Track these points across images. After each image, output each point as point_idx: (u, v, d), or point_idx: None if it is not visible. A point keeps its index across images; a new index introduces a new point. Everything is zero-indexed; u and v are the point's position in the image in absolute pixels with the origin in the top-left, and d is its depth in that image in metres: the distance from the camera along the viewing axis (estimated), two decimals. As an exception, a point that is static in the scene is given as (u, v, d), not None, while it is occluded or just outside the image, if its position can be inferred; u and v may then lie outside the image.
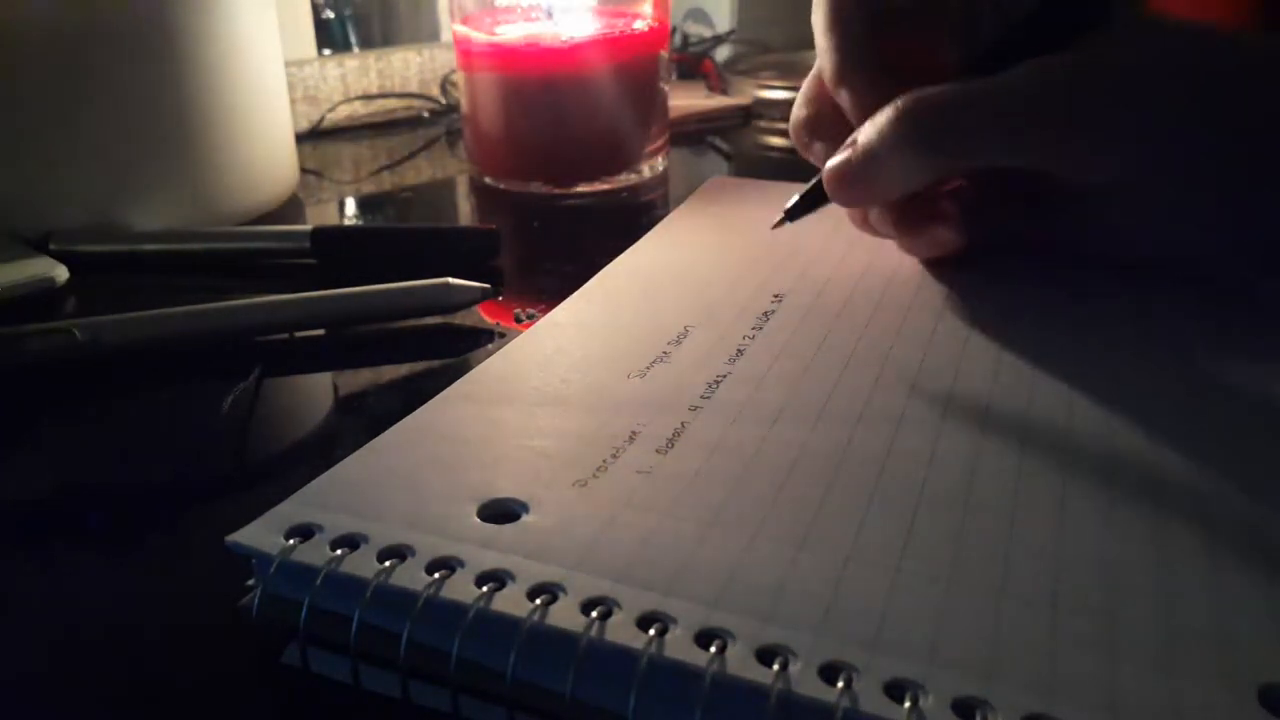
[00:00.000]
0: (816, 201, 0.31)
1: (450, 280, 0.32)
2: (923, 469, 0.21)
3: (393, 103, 0.60)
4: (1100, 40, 0.27)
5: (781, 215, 0.32)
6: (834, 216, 0.33)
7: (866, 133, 0.29)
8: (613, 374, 0.25)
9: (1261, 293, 0.28)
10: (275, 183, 0.45)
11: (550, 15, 0.46)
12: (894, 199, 0.30)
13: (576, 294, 0.31)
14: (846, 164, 0.29)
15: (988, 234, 0.31)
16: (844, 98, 0.30)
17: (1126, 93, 0.27)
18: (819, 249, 0.34)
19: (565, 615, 0.17)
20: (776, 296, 0.30)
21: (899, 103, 0.28)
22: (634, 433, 0.22)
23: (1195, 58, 0.27)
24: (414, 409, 0.24)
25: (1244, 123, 0.26)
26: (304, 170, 0.50)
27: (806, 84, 0.33)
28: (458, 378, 0.25)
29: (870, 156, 0.28)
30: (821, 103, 0.32)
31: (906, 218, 0.31)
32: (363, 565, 0.18)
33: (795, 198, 0.31)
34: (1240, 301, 0.28)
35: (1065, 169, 0.28)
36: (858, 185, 0.29)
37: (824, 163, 0.30)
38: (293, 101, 0.51)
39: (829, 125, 0.32)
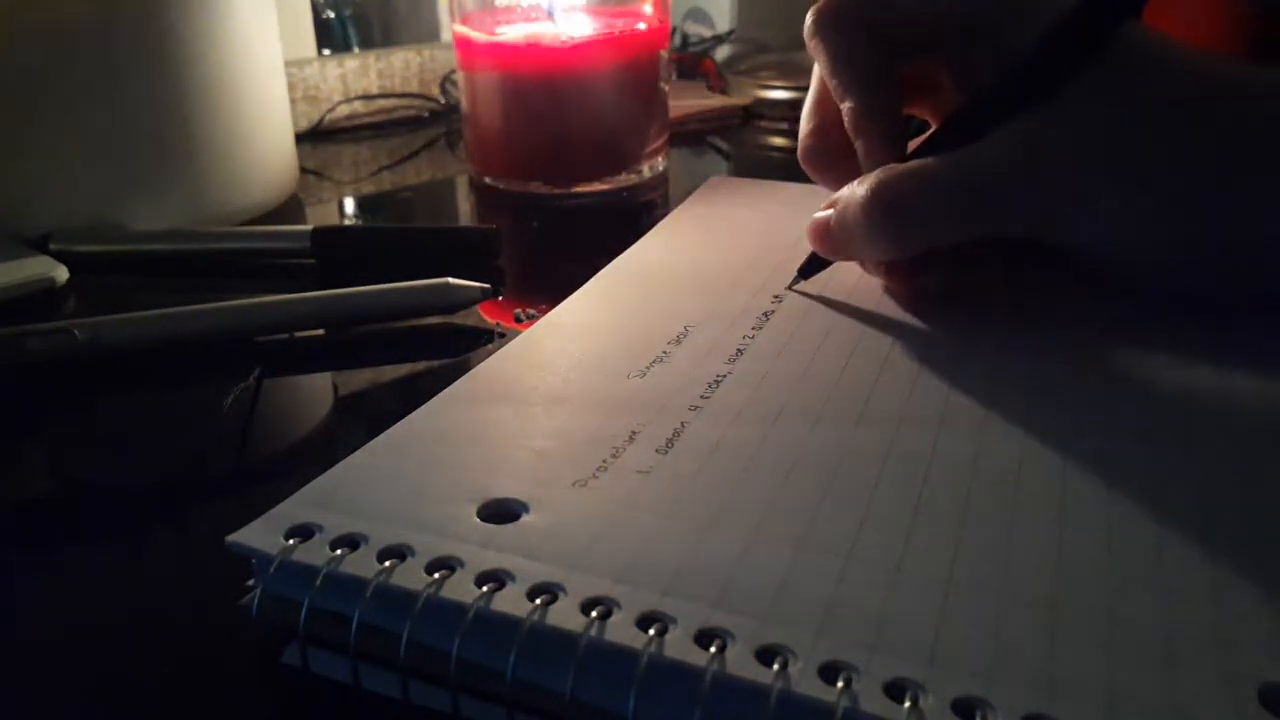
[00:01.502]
0: (825, 261, 0.31)
1: (450, 280, 0.32)
2: (923, 469, 0.21)
3: (393, 103, 0.60)
4: (1073, 97, 0.26)
5: (796, 274, 0.31)
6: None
7: (844, 199, 0.28)
8: (613, 374, 0.25)
9: (1256, 308, 0.27)
10: (275, 183, 0.45)
11: (550, 15, 0.46)
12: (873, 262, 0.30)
13: (576, 294, 0.31)
14: (825, 225, 0.29)
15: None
16: (860, 147, 0.30)
17: (1098, 157, 0.26)
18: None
19: (565, 615, 0.17)
20: (776, 297, 0.30)
21: (871, 179, 0.28)
22: (634, 433, 0.22)
23: (1179, 102, 0.26)
24: (414, 409, 0.23)
25: (1230, 158, 0.26)
26: (304, 170, 0.50)
27: (810, 109, 0.33)
28: (458, 378, 0.25)
29: (842, 226, 0.29)
30: (826, 132, 0.32)
31: (888, 275, 0.30)
32: (363, 565, 0.18)
33: (807, 256, 0.31)
34: (1239, 316, 0.27)
35: (1043, 239, 0.28)
36: (835, 248, 0.30)
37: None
38: (293, 101, 0.51)
39: (836, 156, 0.31)
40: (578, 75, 0.44)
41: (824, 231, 0.29)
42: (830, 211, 0.29)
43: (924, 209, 0.27)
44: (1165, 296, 0.28)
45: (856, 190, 0.28)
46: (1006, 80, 0.27)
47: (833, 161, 0.32)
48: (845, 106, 0.30)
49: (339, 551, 0.18)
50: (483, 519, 0.19)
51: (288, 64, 0.49)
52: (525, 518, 0.19)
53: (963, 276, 0.30)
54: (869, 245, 0.28)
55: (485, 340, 0.32)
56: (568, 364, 0.26)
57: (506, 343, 0.28)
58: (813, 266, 0.31)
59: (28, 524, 0.24)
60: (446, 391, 0.25)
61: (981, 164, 0.27)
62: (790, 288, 0.31)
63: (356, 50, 0.63)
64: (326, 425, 0.29)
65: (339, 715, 0.18)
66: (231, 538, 0.19)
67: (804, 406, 0.24)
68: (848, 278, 0.31)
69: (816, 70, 0.32)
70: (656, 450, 0.22)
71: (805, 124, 0.33)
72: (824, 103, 0.32)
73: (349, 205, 0.48)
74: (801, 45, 0.32)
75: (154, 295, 0.34)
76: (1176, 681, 0.15)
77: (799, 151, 0.33)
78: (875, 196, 0.27)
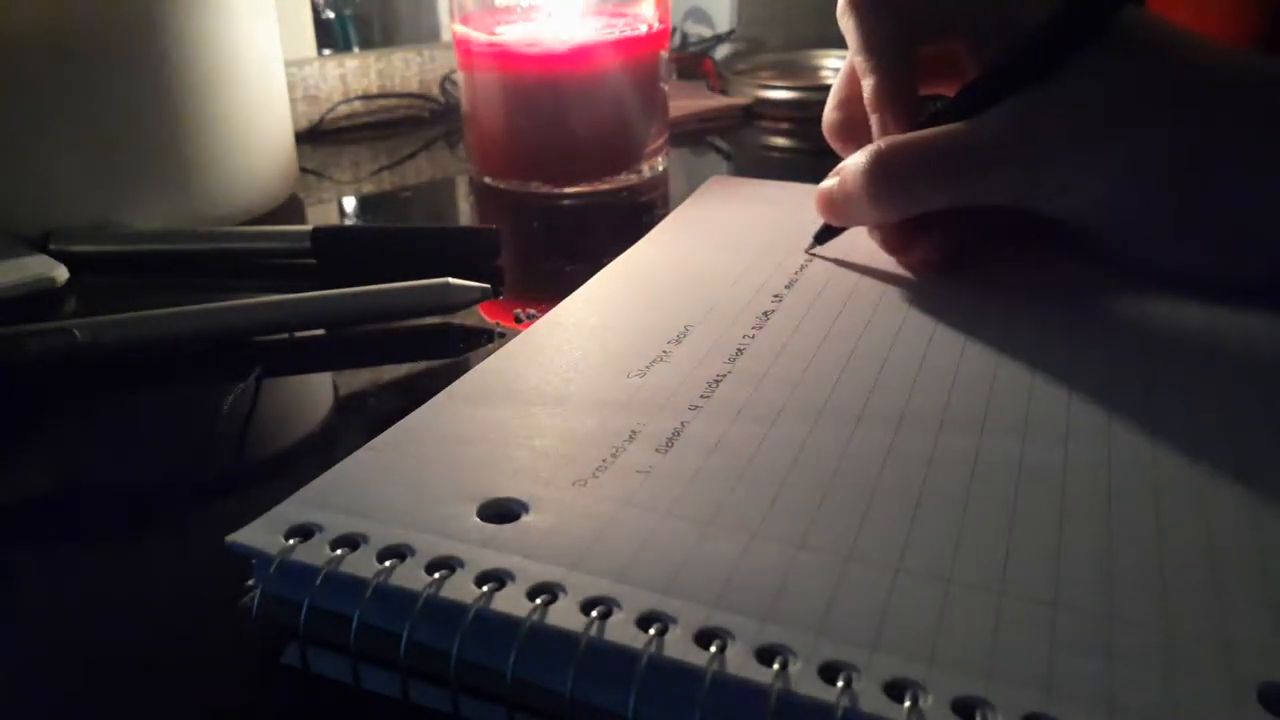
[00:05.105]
0: (838, 228, 0.33)
1: (450, 280, 0.32)
2: (923, 469, 0.21)
3: (393, 103, 0.60)
4: (1069, 76, 0.28)
5: (812, 240, 0.33)
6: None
7: (848, 168, 0.30)
8: (613, 374, 0.25)
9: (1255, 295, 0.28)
10: (275, 183, 0.45)
11: (551, 15, 0.46)
12: (874, 226, 0.32)
13: (576, 294, 0.31)
14: (830, 193, 0.31)
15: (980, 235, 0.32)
16: (875, 121, 0.31)
17: (1084, 131, 0.27)
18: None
19: (565, 615, 0.17)
20: (776, 296, 0.30)
21: (871, 146, 0.29)
22: (634, 432, 0.22)
23: (1169, 83, 0.27)
24: (414, 409, 0.24)
25: (1214, 141, 0.27)
26: (304, 170, 0.50)
27: (838, 85, 0.34)
28: (458, 378, 0.25)
29: (845, 192, 0.30)
30: (853, 107, 0.33)
31: (891, 238, 0.32)
32: (363, 565, 0.18)
33: (821, 224, 0.33)
34: (1238, 305, 0.27)
35: (1033, 208, 0.29)
36: (838, 213, 0.31)
37: None
38: (293, 101, 0.51)
39: (856, 130, 0.33)
40: (578, 75, 0.44)
41: (828, 198, 0.31)
42: (835, 180, 0.31)
43: (919, 173, 0.29)
44: (1166, 291, 0.28)
45: (858, 158, 0.30)
46: (1009, 61, 0.29)
47: (853, 135, 0.33)
48: (865, 84, 0.31)
49: (339, 551, 0.18)
50: (483, 519, 0.19)
51: (288, 64, 0.49)
52: (525, 518, 0.19)
53: (962, 246, 0.31)
54: (868, 208, 0.30)
55: (485, 340, 0.32)
56: (568, 364, 0.26)
57: (506, 343, 0.28)
58: (826, 234, 0.33)
59: (27, 524, 0.24)
60: (446, 391, 0.25)
61: (977, 134, 0.28)
62: (808, 252, 0.33)
63: (356, 50, 0.63)
64: (326, 425, 0.29)
65: (339, 715, 0.18)
66: (231, 538, 0.19)
67: (804, 406, 0.24)
68: (848, 277, 0.31)
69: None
70: (656, 450, 0.22)
71: (832, 98, 0.35)
72: (852, 80, 0.33)
73: (349, 205, 0.48)
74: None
75: (154, 295, 0.34)
76: (1176, 681, 0.15)
77: (823, 123, 0.35)
78: (873, 160, 0.29)
